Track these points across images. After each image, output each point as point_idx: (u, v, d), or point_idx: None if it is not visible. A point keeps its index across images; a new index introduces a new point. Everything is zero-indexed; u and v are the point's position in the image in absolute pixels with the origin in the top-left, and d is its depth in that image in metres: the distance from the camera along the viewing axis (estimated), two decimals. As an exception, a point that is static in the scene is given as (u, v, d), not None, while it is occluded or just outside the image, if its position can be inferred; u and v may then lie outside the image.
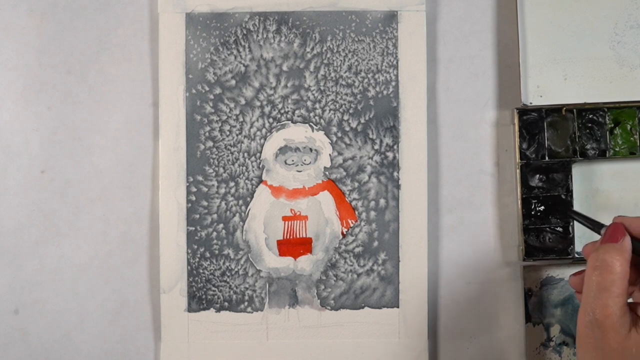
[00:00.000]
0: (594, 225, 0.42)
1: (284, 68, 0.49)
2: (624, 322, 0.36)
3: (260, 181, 0.49)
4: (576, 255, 0.49)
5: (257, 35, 0.49)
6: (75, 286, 0.49)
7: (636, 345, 0.35)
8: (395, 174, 0.49)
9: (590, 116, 0.49)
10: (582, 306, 0.37)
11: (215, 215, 0.49)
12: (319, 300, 0.49)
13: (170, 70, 0.49)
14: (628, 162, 0.50)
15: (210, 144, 0.49)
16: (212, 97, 0.49)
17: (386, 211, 0.49)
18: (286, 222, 0.49)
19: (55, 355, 0.49)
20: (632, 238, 0.38)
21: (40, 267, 0.49)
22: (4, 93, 0.49)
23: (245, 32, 0.49)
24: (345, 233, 0.49)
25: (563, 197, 0.49)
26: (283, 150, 0.49)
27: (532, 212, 0.49)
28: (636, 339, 0.35)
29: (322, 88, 0.49)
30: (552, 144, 0.49)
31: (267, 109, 0.49)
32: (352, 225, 0.49)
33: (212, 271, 0.49)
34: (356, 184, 0.49)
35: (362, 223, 0.49)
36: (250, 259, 0.49)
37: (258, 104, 0.49)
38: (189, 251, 0.49)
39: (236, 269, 0.49)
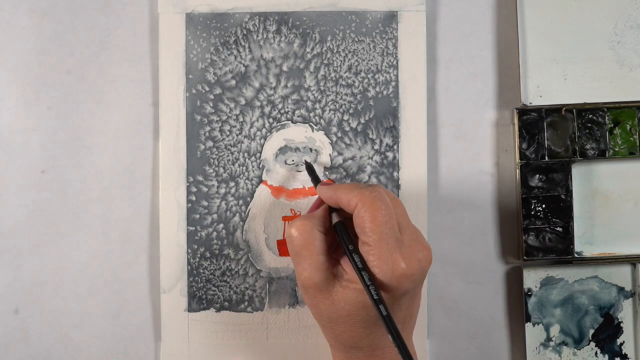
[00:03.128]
0: (315, 182, 0.45)
1: (284, 68, 0.49)
2: (325, 281, 0.38)
3: (260, 181, 0.49)
4: (576, 255, 0.49)
5: (257, 36, 0.49)
6: (75, 286, 0.49)
7: (343, 299, 0.38)
8: (395, 174, 0.49)
9: (590, 116, 0.49)
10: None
11: (215, 215, 0.49)
12: (319, 300, 0.49)
13: (170, 70, 0.49)
14: (628, 162, 0.50)
15: (210, 144, 0.49)
16: (212, 97, 0.49)
17: (386, 211, 0.49)
18: (286, 222, 0.49)
19: (55, 355, 0.49)
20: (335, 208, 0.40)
21: (40, 267, 0.49)
22: (4, 93, 0.49)
23: (245, 32, 0.49)
24: (345, 233, 0.49)
25: (563, 197, 0.49)
26: (283, 150, 0.49)
27: (532, 212, 0.49)
28: (341, 293, 0.38)
29: (322, 88, 0.49)
30: (552, 144, 0.49)
31: (267, 109, 0.49)
32: (352, 225, 0.49)
33: (212, 271, 0.49)
34: (356, 184, 0.49)
35: (362, 223, 0.49)
36: (250, 259, 0.49)
37: (258, 104, 0.49)
38: (189, 251, 0.49)
39: (236, 269, 0.49)
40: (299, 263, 0.39)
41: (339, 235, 0.39)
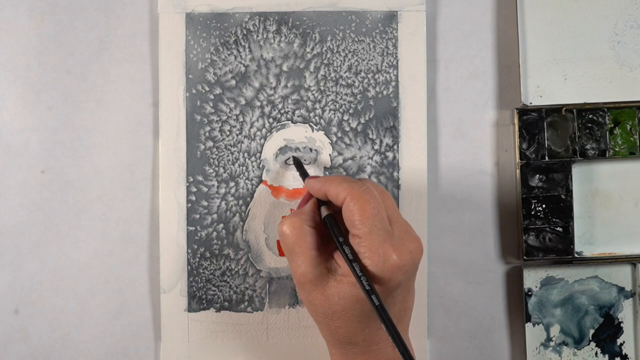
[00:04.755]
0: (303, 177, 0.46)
1: (284, 68, 0.49)
2: (319, 276, 0.38)
3: (260, 181, 0.49)
4: (576, 255, 0.49)
5: (257, 36, 0.49)
6: (75, 286, 0.49)
7: (337, 293, 0.38)
8: (395, 174, 0.49)
9: (590, 116, 0.49)
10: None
11: (215, 215, 0.49)
12: (319, 300, 0.49)
13: (170, 70, 0.49)
14: (628, 162, 0.50)
15: (210, 144, 0.49)
16: (212, 97, 0.49)
17: (386, 211, 0.49)
18: (286, 222, 0.49)
19: (55, 355, 0.49)
20: (324, 201, 0.40)
21: (40, 267, 0.49)
22: (4, 93, 0.49)
23: (245, 32, 0.49)
24: (345, 233, 0.49)
25: (563, 197, 0.49)
26: (283, 150, 0.49)
27: (532, 212, 0.49)
28: (335, 288, 0.38)
29: (322, 88, 0.49)
30: (552, 144, 0.49)
31: (267, 109, 0.49)
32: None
33: (212, 271, 0.49)
34: (356, 184, 0.49)
35: (362, 223, 0.49)
36: (250, 259, 0.49)
37: (258, 104, 0.49)
38: (189, 251, 0.49)
39: (236, 269, 0.49)
40: (293, 260, 0.39)
41: (329, 227, 0.39)
